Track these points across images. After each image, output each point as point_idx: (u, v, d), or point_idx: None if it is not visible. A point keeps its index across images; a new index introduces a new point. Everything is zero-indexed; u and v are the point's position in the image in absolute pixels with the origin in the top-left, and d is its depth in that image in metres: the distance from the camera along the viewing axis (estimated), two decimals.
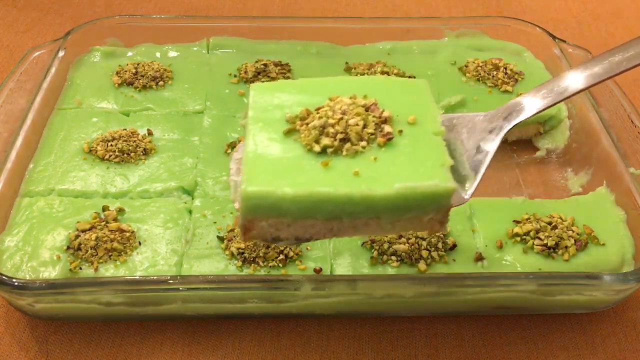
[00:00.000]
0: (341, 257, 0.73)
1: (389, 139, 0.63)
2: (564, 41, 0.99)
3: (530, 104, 0.67)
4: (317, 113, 0.64)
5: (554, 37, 1.00)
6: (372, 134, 0.63)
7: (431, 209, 0.61)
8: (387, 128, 0.63)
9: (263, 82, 0.87)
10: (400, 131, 0.64)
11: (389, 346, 0.72)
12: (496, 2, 1.25)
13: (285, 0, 1.23)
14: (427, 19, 1.15)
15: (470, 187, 0.65)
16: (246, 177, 0.61)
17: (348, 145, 0.62)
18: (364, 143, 0.62)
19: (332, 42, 1.02)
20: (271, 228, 0.62)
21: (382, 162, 0.62)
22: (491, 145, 0.66)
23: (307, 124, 0.64)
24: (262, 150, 0.63)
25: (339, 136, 0.62)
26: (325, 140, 0.62)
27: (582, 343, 0.73)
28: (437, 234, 0.73)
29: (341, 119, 0.63)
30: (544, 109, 0.66)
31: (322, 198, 0.60)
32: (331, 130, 0.63)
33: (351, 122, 0.63)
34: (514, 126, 0.67)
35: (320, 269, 0.71)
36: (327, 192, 0.60)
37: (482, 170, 0.65)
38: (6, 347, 0.71)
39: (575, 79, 0.66)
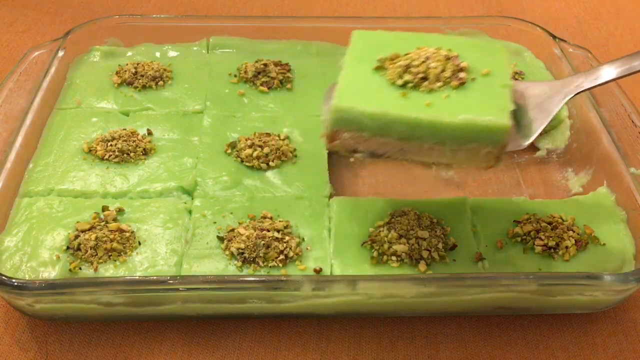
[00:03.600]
0: (341, 257, 0.73)
1: (462, 83, 0.71)
2: (565, 41, 0.99)
3: (605, 73, 0.73)
4: (405, 56, 0.73)
5: (554, 37, 1.00)
6: (448, 78, 0.71)
7: (488, 143, 0.69)
8: (461, 74, 0.72)
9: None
10: (474, 79, 0.72)
11: (389, 346, 0.72)
12: (496, 1, 1.25)
13: (285, 0, 1.23)
14: (427, 18, 1.15)
15: (528, 139, 0.72)
16: (337, 95, 0.71)
17: (426, 83, 0.71)
18: (439, 83, 0.71)
19: (332, 42, 1.02)
20: (351, 140, 0.72)
21: (452, 99, 0.71)
22: (555, 107, 0.74)
23: (395, 63, 0.73)
24: (352, 80, 0.73)
25: (419, 75, 0.71)
26: (407, 77, 0.71)
27: (583, 343, 0.72)
28: (438, 235, 0.74)
29: (424, 62, 0.72)
30: (615, 79, 0.72)
31: (396, 119, 0.69)
32: (414, 70, 0.72)
33: (432, 65, 0.72)
34: (578, 93, 0.74)
35: (320, 269, 0.71)
36: (400, 114, 0.69)
37: (542, 126, 0.73)
38: (6, 347, 0.70)
39: None
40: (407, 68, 0.72)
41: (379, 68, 0.74)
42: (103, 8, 1.19)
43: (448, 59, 0.73)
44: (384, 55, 0.75)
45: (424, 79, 0.72)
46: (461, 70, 0.72)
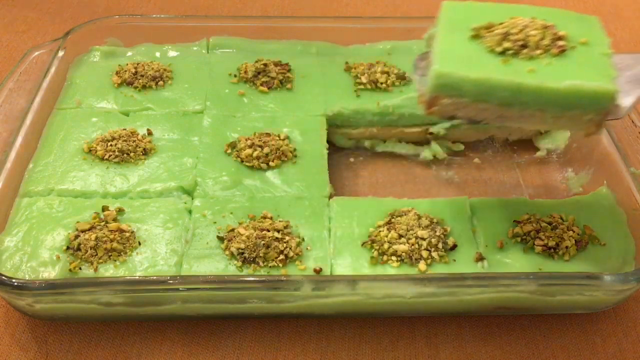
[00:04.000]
0: (341, 257, 0.73)
1: (562, 51, 0.71)
2: None
3: None
4: (501, 25, 0.74)
5: None
6: (547, 45, 0.71)
7: (592, 109, 0.69)
8: (561, 42, 0.72)
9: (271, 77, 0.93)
10: (573, 47, 0.72)
11: (389, 346, 0.72)
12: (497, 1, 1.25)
13: (285, 0, 1.23)
14: (427, 18, 1.15)
15: (625, 108, 0.71)
16: (438, 60, 0.71)
17: (526, 50, 0.71)
18: (539, 51, 0.71)
19: (332, 42, 1.02)
20: (451, 106, 0.72)
21: (555, 66, 0.71)
22: None
23: (492, 32, 0.73)
24: (450, 47, 0.74)
25: (519, 42, 0.71)
26: (506, 44, 0.71)
27: (582, 343, 0.72)
28: (438, 235, 0.73)
29: (522, 30, 0.72)
30: None
31: (499, 84, 0.69)
32: (512, 37, 0.72)
33: (531, 33, 0.72)
34: None
35: (320, 269, 0.71)
36: (504, 80, 0.69)
37: (636, 96, 0.71)
38: (5, 347, 0.70)
39: None
40: (505, 36, 0.72)
41: (475, 36, 0.74)
42: (103, 8, 1.19)
43: (545, 27, 0.73)
44: (478, 24, 0.75)
45: (524, 46, 0.72)
46: (560, 38, 0.72)
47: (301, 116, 0.90)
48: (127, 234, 0.73)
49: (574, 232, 0.75)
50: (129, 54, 0.99)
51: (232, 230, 0.74)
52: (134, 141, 0.83)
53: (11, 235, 0.73)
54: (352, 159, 0.91)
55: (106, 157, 0.82)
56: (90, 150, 0.83)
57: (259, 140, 0.84)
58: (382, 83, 0.93)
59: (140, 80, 0.93)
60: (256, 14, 1.19)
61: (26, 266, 0.70)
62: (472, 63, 0.72)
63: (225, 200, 0.78)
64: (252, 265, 0.71)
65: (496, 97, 0.70)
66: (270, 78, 0.94)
